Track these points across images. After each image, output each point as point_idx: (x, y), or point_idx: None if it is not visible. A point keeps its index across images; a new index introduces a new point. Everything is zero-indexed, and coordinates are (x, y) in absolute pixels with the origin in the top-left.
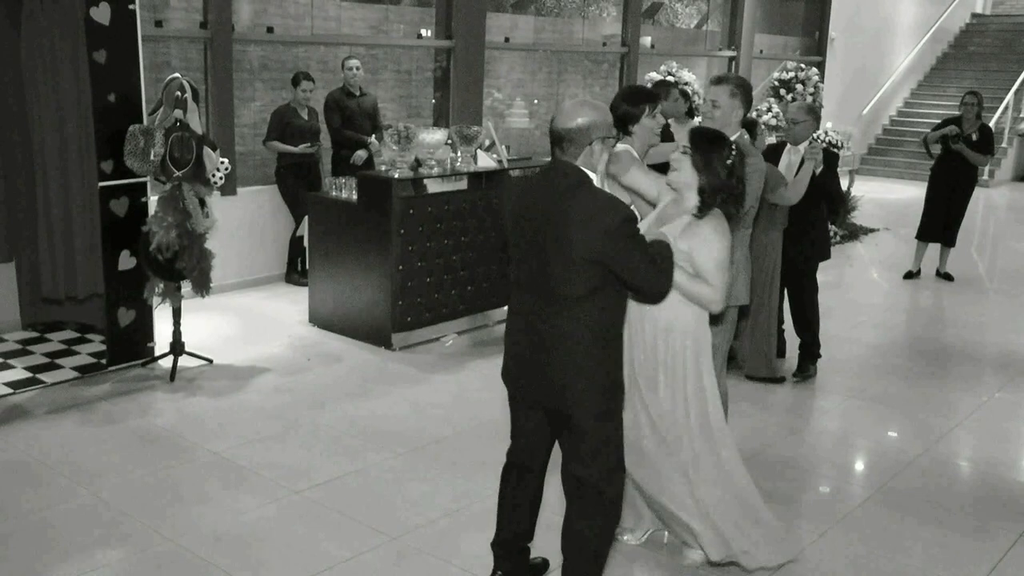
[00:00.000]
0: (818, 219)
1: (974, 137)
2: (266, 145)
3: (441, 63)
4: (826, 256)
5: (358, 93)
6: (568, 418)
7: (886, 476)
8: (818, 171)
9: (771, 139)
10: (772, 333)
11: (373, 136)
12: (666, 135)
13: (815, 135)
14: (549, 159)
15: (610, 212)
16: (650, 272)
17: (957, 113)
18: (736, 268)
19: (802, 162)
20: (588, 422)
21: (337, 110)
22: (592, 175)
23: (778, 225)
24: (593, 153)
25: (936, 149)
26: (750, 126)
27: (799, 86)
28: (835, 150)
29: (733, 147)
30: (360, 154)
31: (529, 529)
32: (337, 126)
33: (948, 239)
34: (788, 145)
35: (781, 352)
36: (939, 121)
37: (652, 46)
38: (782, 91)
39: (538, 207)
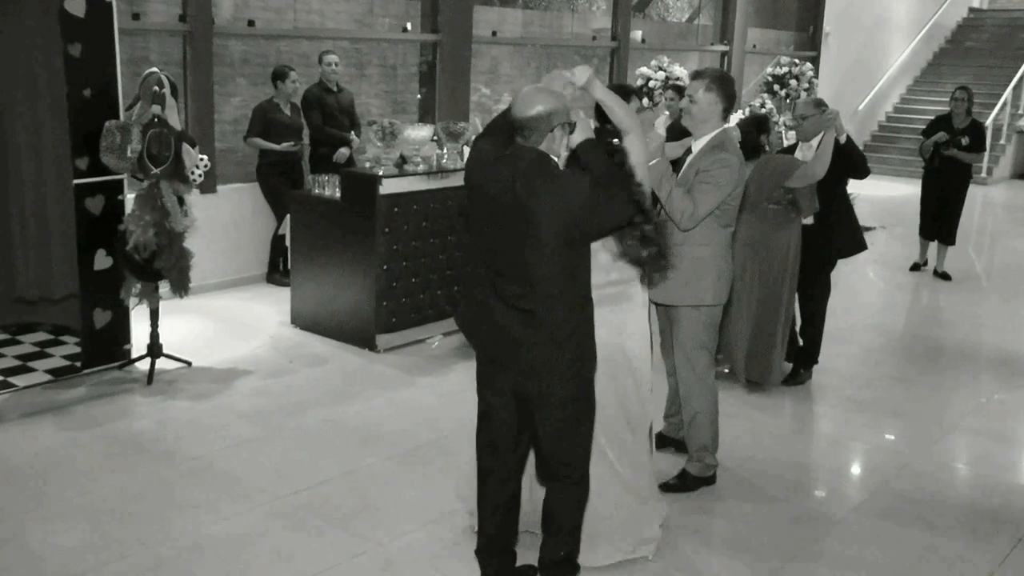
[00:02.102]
0: (841, 206)
1: (964, 141)
2: (247, 142)
3: (427, 58)
4: (860, 246)
5: (336, 89)
6: (544, 398)
7: (881, 480)
8: (842, 138)
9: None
10: (783, 337)
11: (352, 133)
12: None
13: (826, 109)
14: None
15: (577, 190)
16: (620, 216)
17: (948, 109)
18: (706, 267)
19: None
20: (564, 403)
21: (317, 107)
22: (555, 159)
23: (794, 223)
24: (555, 139)
25: (928, 154)
26: (762, 122)
27: (793, 81)
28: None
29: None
30: (343, 152)
31: (512, 530)
32: (318, 124)
33: (945, 237)
34: (800, 143)
35: (790, 355)
36: (931, 118)
37: (643, 40)
38: (775, 86)
39: (506, 194)
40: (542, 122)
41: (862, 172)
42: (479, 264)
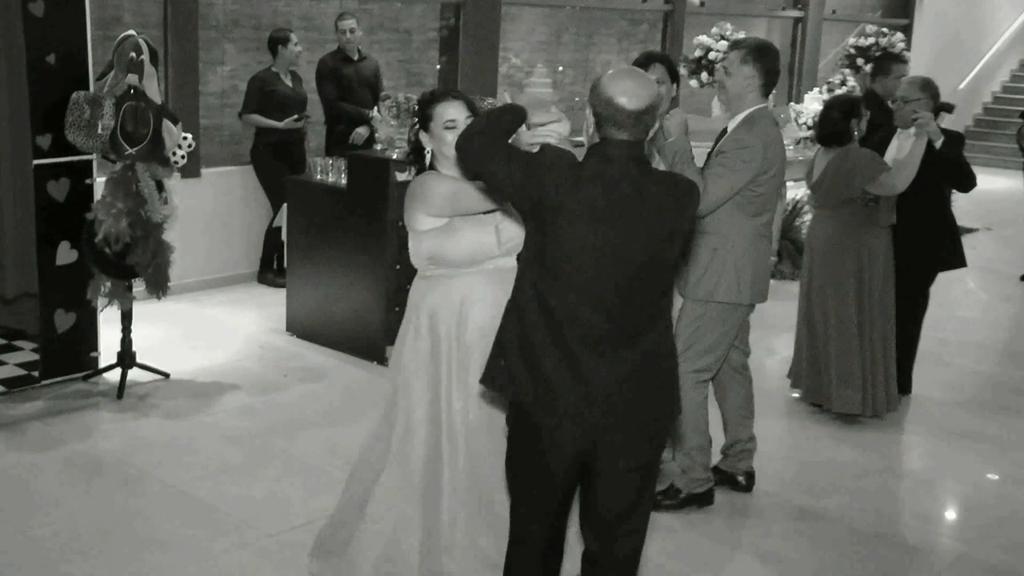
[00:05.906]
0: (941, 213)
1: None
2: (243, 119)
3: (448, 21)
4: (959, 262)
5: (356, 57)
6: (624, 460)
7: (984, 529)
8: (937, 144)
9: None
10: (888, 359)
11: (376, 109)
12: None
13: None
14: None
15: (688, 191)
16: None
17: None
18: (723, 259)
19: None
20: (643, 468)
21: (332, 79)
22: None
23: (881, 223)
24: (652, 136)
25: None
26: (852, 105)
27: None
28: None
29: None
30: (360, 131)
31: None
32: (332, 98)
33: None
34: (898, 130)
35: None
36: None
37: (701, 3)
38: (859, 60)
39: (620, 208)
40: (651, 116)
41: (967, 185)
42: (550, 306)
